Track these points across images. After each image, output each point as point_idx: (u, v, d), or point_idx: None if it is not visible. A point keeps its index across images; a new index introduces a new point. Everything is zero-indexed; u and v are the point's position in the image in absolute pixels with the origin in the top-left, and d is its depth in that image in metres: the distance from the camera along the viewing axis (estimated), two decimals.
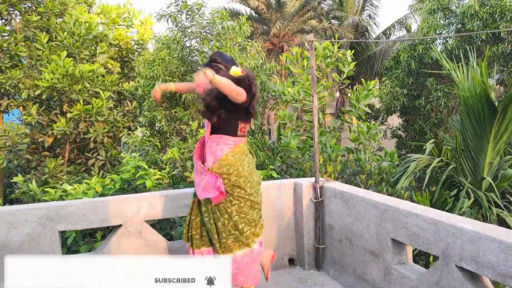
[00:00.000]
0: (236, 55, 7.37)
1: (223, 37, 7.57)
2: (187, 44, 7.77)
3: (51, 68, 7.30)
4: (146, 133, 7.81)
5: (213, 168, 3.02)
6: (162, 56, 7.43)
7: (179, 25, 7.81)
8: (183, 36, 7.69)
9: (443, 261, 2.85)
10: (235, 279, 3.12)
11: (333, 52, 7.21)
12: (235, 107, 2.95)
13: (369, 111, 7.80)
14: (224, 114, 3.00)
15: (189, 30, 7.68)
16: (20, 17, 8.49)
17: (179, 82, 7.69)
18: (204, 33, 7.74)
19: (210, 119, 3.03)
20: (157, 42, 8.04)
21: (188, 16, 7.77)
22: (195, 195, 3.23)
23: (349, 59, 7.21)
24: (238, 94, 2.82)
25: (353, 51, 7.48)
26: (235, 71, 3.03)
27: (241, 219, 3.07)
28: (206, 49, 7.71)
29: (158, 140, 8.25)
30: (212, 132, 3.06)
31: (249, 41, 8.11)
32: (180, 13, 7.84)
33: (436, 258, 3.03)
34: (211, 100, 2.98)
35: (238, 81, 2.91)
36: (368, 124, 6.99)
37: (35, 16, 8.07)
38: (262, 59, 7.86)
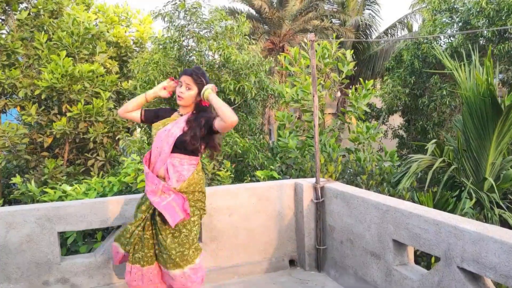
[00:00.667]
0: (234, 54, 7.37)
1: (221, 36, 7.56)
2: (184, 44, 7.75)
3: (51, 68, 7.30)
4: (143, 136, 7.81)
5: (180, 188, 3.06)
6: (157, 59, 7.40)
7: (176, 23, 7.79)
8: (180, 36, 7.67)
9: (445, 262, 2.86)
10: None
11: (332, 52, 7.21)
12: (211, 134, 3.07)
13: (368, 110, 7.80)
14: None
15: (186, 30, 7.66)
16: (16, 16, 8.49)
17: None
18: (202, 33, 7.72)
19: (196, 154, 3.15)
20: (153, 43, 8.02)
21: (185, 15, 7.76)
22: (144, 210, 3.14)
23: (349, 58, 7.21)
24: (234, 116, 2.85)
25: (352, 50, 7.47)
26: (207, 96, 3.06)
27: (197, 229, 3.15)
28: (204, 49, 7.69)
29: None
30: (174, 150, 3.07)
31: (247, 39, 8.11)
32: (176, 12, 7.82)
33: (437, 259, 3.03)
34: (197, 142, 3.05)
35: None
36: (368, 124, 6.99)
37: (25, 13, 8.06)
38: (258, 56, 7.85)
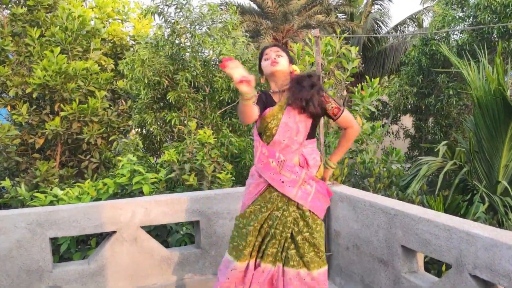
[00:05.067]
0: (229, 48, 7.38)
1: (214, 31, 7.59)
2: (177, 42, 7.75)
3: (43, 65, 7.28)
4: (136, 137, 7.83)
5: (317, 175, 2.98)
6: (142, 56, 7.39)
7: (168, 19, 7.81)
8: (172, 33, 7.68)
9: (456, 269, 2.85)
10: None
11: (336, 48, 7.18)
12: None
13: (374, 110, 7.77)
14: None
15: (178, 26, 7.67)
16: (7, 11, 8.49)
17: (168, 81, 7.70)
18: (193, 28, 7.73)
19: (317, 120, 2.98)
20: (136, 42, 8.04)
21: (176, 11, 7.76)
22: (271, 201, 2.93)
23: (354, 55, 7.19)
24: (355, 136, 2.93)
25: (357, 47, 7.45)
26: (296, 68, 3.05)
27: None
28: (197, 45, 7.70)
29: (150, 143, 8.27)
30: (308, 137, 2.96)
31: (246, 35, 8.14)
32: (166, 7, 7.83)
33: (448, 266, 3.02)
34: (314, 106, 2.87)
35: (301, 78, 2.90)
36: (372, 124, 6.95)
37: (21, 8, 8.06)
38: (253, 50, 7.88)
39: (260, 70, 3.07)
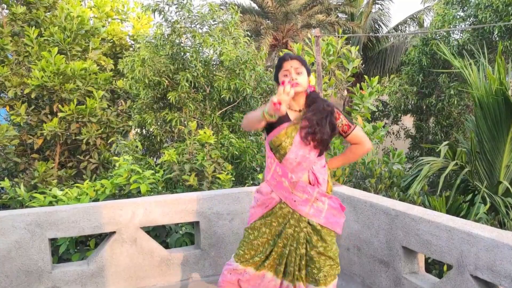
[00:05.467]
0: (230, 48, 7.39)
1: (215, 31, 7.59)
2: (177, 41, 7.75)
3: (42, 66, 7.28)
4: (136, 139, 7.83)
5: (327, 191, 2.96)
6: (143, 56, 7.39)
7: (168, 19, 7.80)
8: (172, 32, 7.68)
9: (457, 270, 2.85)
10: None
11: (337, 48, 7.19)
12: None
13: (375, 109, 7.77)
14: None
15: (178, 26, 7.67)
16: (7, 10, 8.48)
17: (169, 81, 7.70)
18: (194, 27, 7.74)
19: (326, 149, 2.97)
20: (136, 41, 8.03)
21: (177, 10, 7.76)
22: (276, 225, 2.96)
23: (354, 55, 7.20)
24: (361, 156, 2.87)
25: (357, 47, 7.46)
26: (312, 80, 3.00)
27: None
28: (198, 45, 7.70)
29: (150, 144, 8.26)
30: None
31: (247, 35, 8.14)
32: (167, 6, 7.83)
33: (450, 267, 3.02)
34: (327, 133, 2.86)
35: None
36: (374, 124, 6.96)
37: (21, 8, 8.06)
38: (253, 50, 7.88)
39: (276, 79, 3.01)
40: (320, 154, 2.92)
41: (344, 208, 3.00)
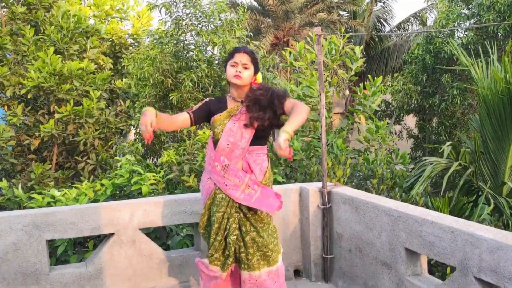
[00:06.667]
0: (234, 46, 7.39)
1: (221, 30, 7.59)
2: (181, 38, 7.75)
3: (38, 66, 7.27)
4: (136, 139, 7.82)
5: (262, 181, 3.12)
6: (153, 55, 7.40)
7: (174, 16, 7.80)
8: (177, 29, 7.68)
9: (461, 272, 2.85)
10: None
11: (340, 47, 7.18)
12: (278, 118, 3.06)
13: (378, 109, 7.76)
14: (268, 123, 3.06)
15: (184, 23, 7.67)
16: (6, 9, 8.49)
17: (172, 80, 7.69)
18: (200, 26, 7.73)
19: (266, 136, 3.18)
20: (149, 37, 8.02)
21: (185, 7, 7.76)
22: (222, 213, 3.12)
23: (358, 54, 7.19)
24: (307, 113, 2.89)
25: (361, 47, 7.45)
26: (259, 77, 3.19)
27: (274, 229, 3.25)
28: (203, 44, 7.70)
29: (151, 144, 8.25)
30: (252, 143, 3.10)
31: (250, 34, 8.13)
32: (174, 3, 7.83)
33: (453, 269, 3.03)
34: (268, 119, 3.02)
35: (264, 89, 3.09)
36: (377, 123, 6.93)
37: (21, 7, 8.06)
38: (261, 51, 7.87)
39: (226, 66, 3.17)
40: (254, 144, 3.08)
41: (279, 195, 3.16)
